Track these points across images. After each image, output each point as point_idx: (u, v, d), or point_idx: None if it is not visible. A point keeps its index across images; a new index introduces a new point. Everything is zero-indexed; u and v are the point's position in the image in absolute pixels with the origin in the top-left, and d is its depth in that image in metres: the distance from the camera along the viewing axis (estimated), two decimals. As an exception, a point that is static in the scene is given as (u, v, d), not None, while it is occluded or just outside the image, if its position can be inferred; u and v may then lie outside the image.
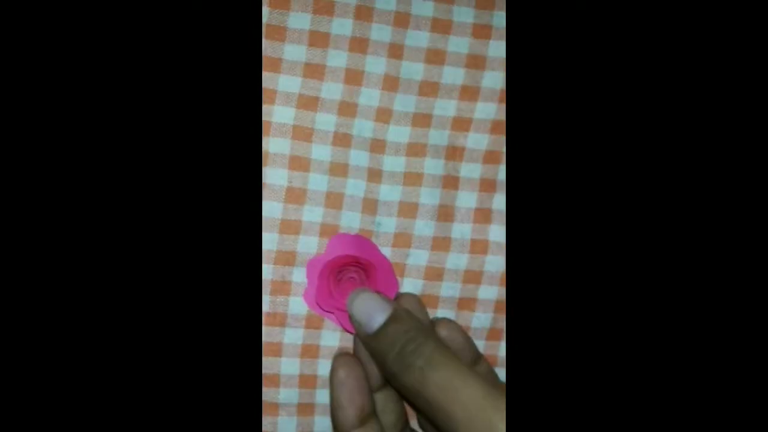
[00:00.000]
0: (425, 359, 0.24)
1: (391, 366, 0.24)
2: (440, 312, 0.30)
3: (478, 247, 0.29)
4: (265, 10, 0.28)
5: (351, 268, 0.29)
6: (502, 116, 0.29)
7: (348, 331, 0.29)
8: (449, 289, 0.29)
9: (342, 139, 0.29)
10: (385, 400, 0.28)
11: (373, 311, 0.25)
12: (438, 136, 0.29)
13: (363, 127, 0.29)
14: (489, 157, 0.29)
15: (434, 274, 0.29)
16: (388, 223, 0.29)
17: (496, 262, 0.30)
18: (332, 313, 0.29)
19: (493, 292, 0.30)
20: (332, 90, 0.29)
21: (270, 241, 0.29)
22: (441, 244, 0.29)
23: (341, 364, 0.27)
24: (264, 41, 0.28)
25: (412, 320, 0.25)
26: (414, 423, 0.30)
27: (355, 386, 0.26)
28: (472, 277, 0.29)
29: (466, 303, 0.29)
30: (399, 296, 0.29)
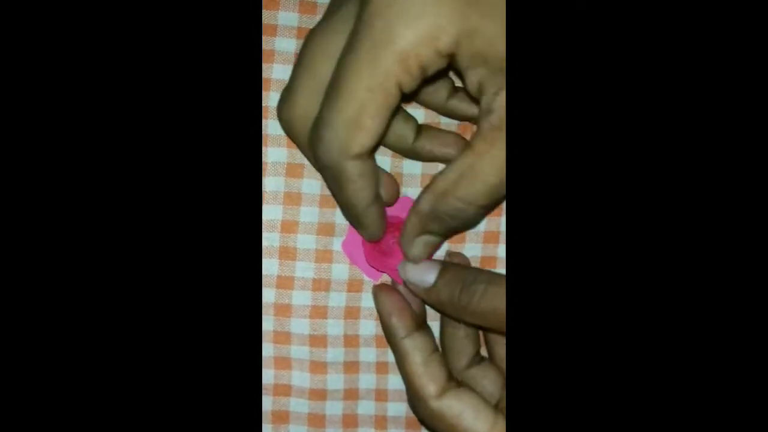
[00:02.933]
0: (484, 282, 0.26)
1: (460, 301, 0.26)
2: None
3: (494, 211, 0.31)
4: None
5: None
6: None
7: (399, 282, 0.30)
8: (472, 249, 0.31)
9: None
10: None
11: (425, 270, 0.27)
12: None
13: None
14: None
15: (458, 237, 0.31)
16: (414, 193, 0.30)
17: None
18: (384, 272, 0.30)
19: None
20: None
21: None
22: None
23: (380, 288, 0.29)
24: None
25: (460, 266, 0.28)
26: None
27: (401, 298, 0.28)
28: (491, 237, 0.32)
29: (487, 261, 0.32)
30: (448, 255, 0.30)
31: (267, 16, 0.29)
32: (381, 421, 0.31)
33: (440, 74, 0.25)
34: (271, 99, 0.29)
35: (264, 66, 0.29)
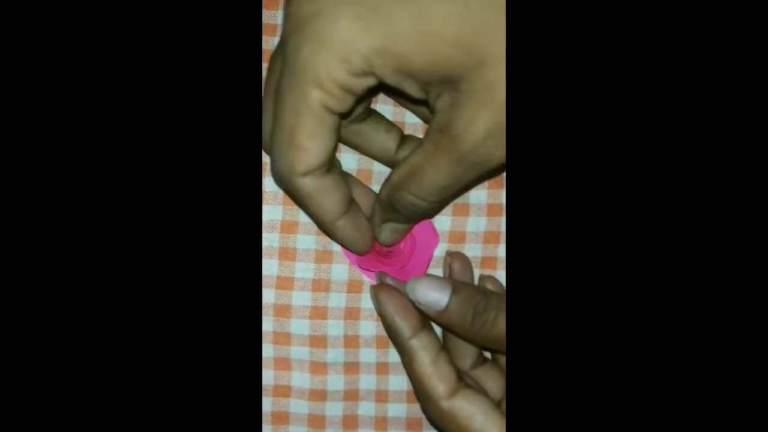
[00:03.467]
0: (495, 308, 0.27)
1: (472, 327, 0.27)
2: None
3: (494, 210, 0.31)
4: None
5: None
6: None
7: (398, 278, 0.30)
8: (472, 249, 0.31)
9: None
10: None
11: (436, 293, 0.27)
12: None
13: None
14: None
15: (458, 237, 0.31)
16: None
17: None
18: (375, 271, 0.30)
19: None
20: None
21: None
22: (460, 209, 0.31)
23: (380, 288, 0.29)
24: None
25: (470, 286, 0.28)
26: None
27: (403, 298, 0.28)
28: (491, 237, 0.32)
29: (487, 261, 0.32)
30: (449, 255, 0.30)
31: (267, 16, 0.29)
32: (381, 422, 0.31)
33: (384, 88, 0.25)
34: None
35: (264, 66, 0.29)
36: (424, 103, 0.24)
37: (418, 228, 0.30)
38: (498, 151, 0.23)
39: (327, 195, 0.25)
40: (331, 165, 0.25)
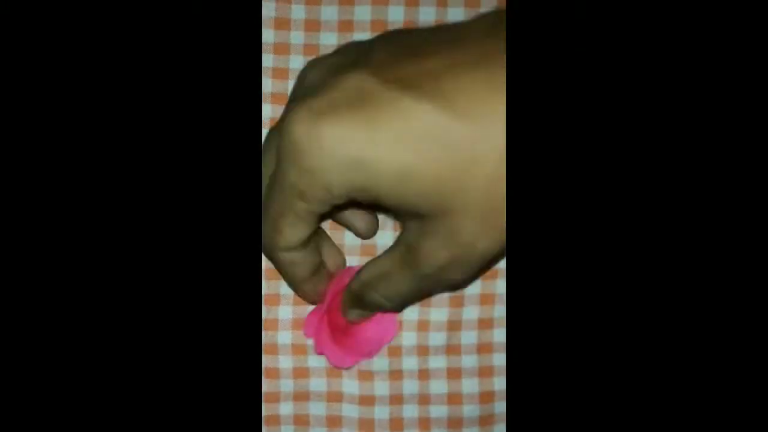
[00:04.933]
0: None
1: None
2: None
3: None
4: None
5: None
6: None
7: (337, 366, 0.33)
8: None
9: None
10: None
11: None
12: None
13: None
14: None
15: None
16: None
17: None
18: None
19: None
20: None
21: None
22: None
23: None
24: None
25: None
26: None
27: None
28: None
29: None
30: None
31: (280, 10, 0.32)
32: (425, 422, 0.34)
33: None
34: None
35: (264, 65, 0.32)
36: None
37: (382, 317, 0.33)
38: (457, 275, 0.26)
39: (298, 265, 0.29)
40: (307, 243, 0.28)
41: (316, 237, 0.29)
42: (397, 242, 0.27)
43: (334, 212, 0.30)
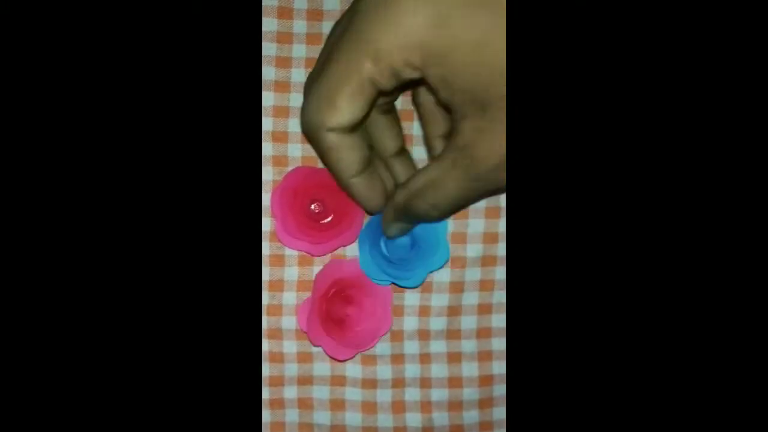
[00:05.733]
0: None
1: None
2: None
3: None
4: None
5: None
6: None
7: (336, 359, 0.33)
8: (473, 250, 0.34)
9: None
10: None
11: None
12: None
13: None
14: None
15: (459, 237, 0.35)
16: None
17: None
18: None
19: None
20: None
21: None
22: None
23: None
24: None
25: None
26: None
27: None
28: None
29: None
30: None
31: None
32: (426, 405, 0.35)
33: (418, 83, 0.27)
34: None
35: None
36: (446, 110, 0.26)
37: (377, 306, 0.33)
38: (502, 182, 0.26)
39: (347, 152, 0.28)
40: (358, 127, 0.27)
41: (364, 132, 0.29)
42: (447, 149, 0.27)
43: (394, 94, 0.29)
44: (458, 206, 0.29)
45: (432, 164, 0.28)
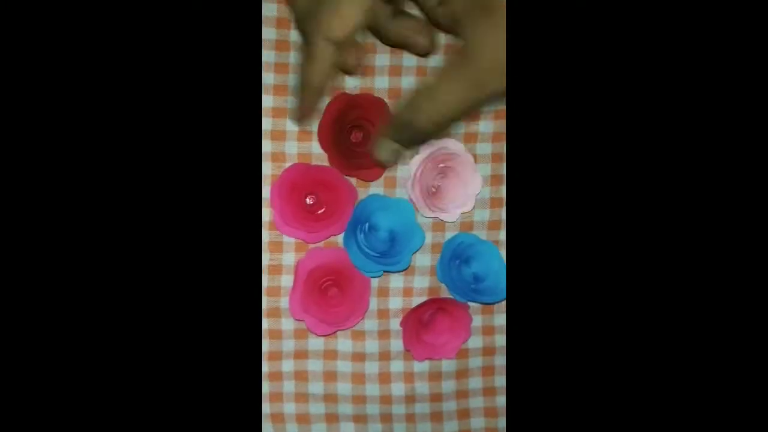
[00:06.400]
0: None
1: None
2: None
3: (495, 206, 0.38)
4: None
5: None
6: None
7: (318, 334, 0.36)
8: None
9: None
10: None
11: None
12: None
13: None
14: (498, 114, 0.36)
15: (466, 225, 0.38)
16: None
17: None
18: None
19: None
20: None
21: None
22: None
23: None
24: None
25: None
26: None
27: None
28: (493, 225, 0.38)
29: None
30: None
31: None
32: (409, 376, 0.38)
33: None
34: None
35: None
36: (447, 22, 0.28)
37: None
38: (502, 85, 0.27)
39: (324, 62, 0.30)
40: (349, 38, 0.29)
41: (351, 49, 0.30)
42: (447, 61, 0.28)
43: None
44: (456, 117, 0.29)
45: (427, 79, 0.29)
